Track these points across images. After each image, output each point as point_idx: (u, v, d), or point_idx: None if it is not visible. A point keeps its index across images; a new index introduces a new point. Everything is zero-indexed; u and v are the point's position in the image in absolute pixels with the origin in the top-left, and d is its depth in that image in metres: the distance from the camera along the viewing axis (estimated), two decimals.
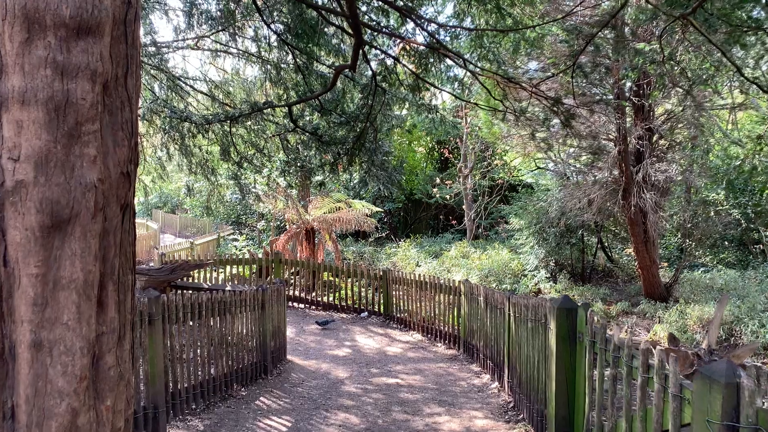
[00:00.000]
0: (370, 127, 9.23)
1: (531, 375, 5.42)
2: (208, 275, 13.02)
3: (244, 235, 21.85)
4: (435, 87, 7.83)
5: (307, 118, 10.53)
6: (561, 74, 6.32)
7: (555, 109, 6.71)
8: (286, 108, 9.11)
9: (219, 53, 13.12)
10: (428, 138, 24.12)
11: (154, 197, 34.44)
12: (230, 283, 12.98)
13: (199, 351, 5.99)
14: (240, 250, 19.78)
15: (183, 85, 12.88)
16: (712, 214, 15.13)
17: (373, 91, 8.64)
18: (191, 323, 5.82)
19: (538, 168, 16.77)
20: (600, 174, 12.90)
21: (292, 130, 8.65)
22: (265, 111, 10.99)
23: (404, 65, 7.74)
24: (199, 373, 6.01)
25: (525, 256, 15.80)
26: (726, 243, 17.09)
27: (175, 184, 29.08)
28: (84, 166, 1.96)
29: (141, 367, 5.00)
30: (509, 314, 6.69)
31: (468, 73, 9.94)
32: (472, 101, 9.74)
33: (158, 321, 5.04)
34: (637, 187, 11.85)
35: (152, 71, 12.36)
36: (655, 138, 12.01)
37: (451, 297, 9.92)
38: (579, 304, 4.20)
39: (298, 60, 9.62)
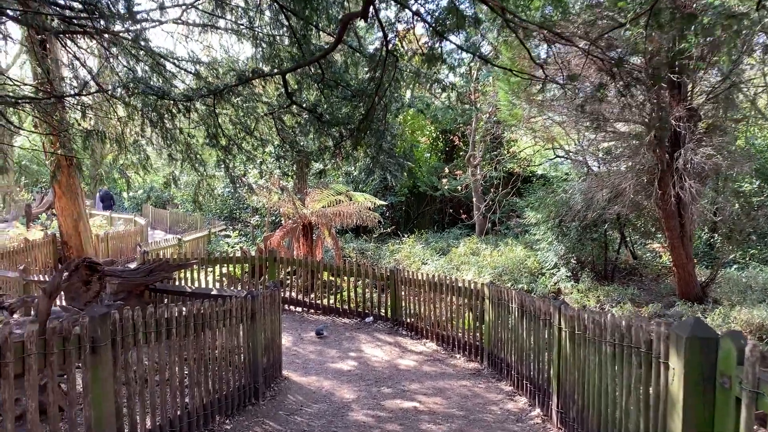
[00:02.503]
0: (378, 104, 7.88)
1: (610, 416, 4.09)
2: (195, 276, 11.60)
3: (237, 231, 20.46)
4: (459, 48, 6.47)
5: (305, 98, 9.19)
6: (629, 26, 4.99)
7: (614, 72, 5.38)
8: (281, 81, 7.76)
9: (206, 28, 11.75)
10: (432, 127, 22.71)
11: (144, 191, 32.94)
12: (216, 286, 11.63)
13: (168, 380, 4.64)
14: (232, 247, 18.41)
15: (166, 63, 11.49)
16: (737, 206, 13.80)
17: (383, 60, 7.29)
18: (157, 344, 4.48)
19: (558, 156, 15.41)
20: (630, 162, 11.58)
21: (287, 107, 7.28)
22: (255, 91, 9.63)
23: (423, 19, 6.38)
24: (168, 408, 4.66)
25: (543, 252, 14.49)
26: (754, 238, 15.80)
27: (166, 177, 27.73)
28: None
29: (81, 412, 3.66)
30: (560, 328, 5.37)
31: (493, 41, 8.63)
32: (501, 67, 8.35)
33: (105, 348, 3.69)
34: (677, 175, 10.54)
35: (130, 47, 10.96)
36: (695, 119, 10.66)
37: (472, 301, 8.59)
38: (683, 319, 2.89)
39: (293, 26, 8.24)
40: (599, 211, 12.38)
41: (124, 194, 33.90)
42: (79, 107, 10.17)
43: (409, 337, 9.82)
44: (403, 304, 10.27)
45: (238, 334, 5.99)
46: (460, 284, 8.83)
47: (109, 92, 9.64)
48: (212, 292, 8.54)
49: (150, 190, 32.85)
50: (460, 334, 8.91)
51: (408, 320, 10.18)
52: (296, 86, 7.77)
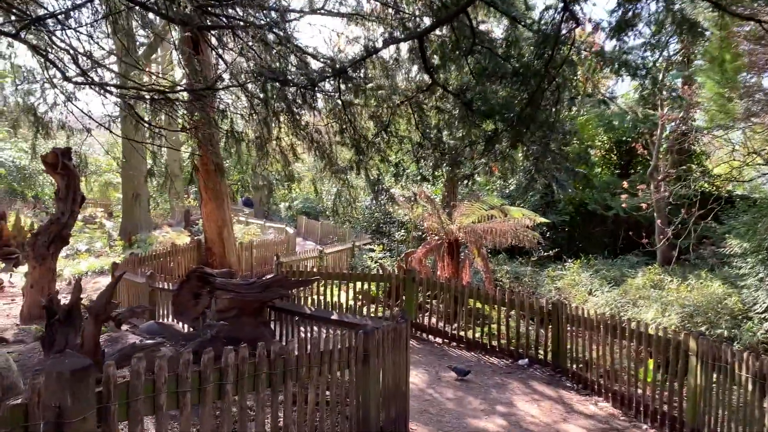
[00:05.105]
0: (547, 88, 6.00)
1: None
2: (329, 293, 10.31)
3: (382, 246, 19.27)
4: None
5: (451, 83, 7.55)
6: None
7: None
8: (421, 62, 6.16)
9: (351, 18, 10.63)
10: (605, 137, 19.90)
11: (299, 202, 33.39)
12: (350, 304, 10.30)
13: None
14: (376, 262, 17.21)
15: (309, 59, 10.54)
16: None
17: (557, 25, 5.45)
18: (200, 406, 3.02)
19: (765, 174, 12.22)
20: None
21: (428, 89, 5.66)
22: (394, 82, 8.17)
23: None
24: None
25: (750, 291, 11.41)
26: None
27: (288, 176, 27.58)
28: None
29: None
30: None
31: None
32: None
33: (82, 424, 2.25)
34: None
35: (271, 42, 10.12)
36: None
37: (668, 355, 6.32)
38: None
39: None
40: None
41: (281, 204, 34.63)
42: (218, 106, 9.46)
43: (574, 391, 7.69)
44: (568, 347, 8.16)
45: (341, 385, 4.43)
46: (651, 332, 6.58)
47: (242, 84, 8.74)
48: (332, 317, 7.15)
49: (305, 201, 33.22)
50: (648, 397, 6.65)
51: (573, 367, 8.05)
52: (439, 62, 6.11)
